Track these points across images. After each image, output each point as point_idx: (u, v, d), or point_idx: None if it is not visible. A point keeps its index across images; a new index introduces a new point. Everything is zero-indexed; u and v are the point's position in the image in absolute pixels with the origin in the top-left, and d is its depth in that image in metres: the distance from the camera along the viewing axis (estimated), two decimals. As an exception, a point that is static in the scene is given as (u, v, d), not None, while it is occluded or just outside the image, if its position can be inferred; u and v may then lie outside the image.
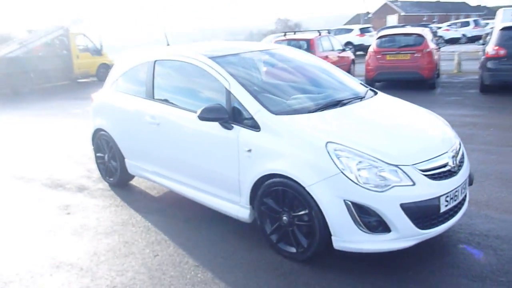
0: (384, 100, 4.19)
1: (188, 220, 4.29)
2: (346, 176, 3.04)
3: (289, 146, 3.31)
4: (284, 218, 3.40)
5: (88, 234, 4.12)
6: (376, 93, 4.28)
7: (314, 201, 3.14)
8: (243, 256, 3.56)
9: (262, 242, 3.66)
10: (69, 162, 6.50)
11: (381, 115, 3.85)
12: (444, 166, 3.25)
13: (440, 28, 32.49)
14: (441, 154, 3.29)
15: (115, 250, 3.76)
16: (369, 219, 3.05)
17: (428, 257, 3.37)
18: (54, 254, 3.75)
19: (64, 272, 3.45)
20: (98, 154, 5.47)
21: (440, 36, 28.92)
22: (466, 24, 32.30)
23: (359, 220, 3.05)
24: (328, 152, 3.14)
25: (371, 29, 27.75)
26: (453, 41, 30.56)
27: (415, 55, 11.06)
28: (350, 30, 26.67)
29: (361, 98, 4.03)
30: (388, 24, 49.48)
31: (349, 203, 3.04)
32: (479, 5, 73.98)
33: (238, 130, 3.59)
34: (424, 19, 61.77)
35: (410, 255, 3.34)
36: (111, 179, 5.34)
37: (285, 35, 13.43)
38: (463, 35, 31.49)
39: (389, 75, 11.50)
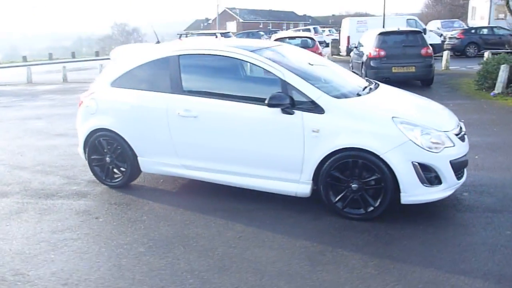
0: (390, 89, 5.06)
1: (244, 210, 4.49)
2: (414, 143, 3.81)
3: (360, 123, 3.93)
4: (354, 185, 3.99)
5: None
6: (379, 84, 5.10)
7: (387, 166, 3.82)
8: (316, 224, 4.04)
9: (320, 212, 4.18)
10: (31, 172, 5.86)
11: (402, 98, 4.74)
12: (459, 133, 4.26)
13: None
14: (457, 124, 4.31)
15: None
16: (429, 175, 3.86)
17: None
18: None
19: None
20: (93, 157, 5.17)
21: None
22: (308, 30, 36.39)
23: (423, 176, 3.84)
24: (396, 125, 3.86)
25: (230, 33, 29.21)
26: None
27: None
28: (213, 34, 27.66)
29: (377, 87, 4.83)
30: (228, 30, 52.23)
31: (416, 164, 3.81)
32: (305, 15, 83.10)
33: (301, 114, 4.05)
34: (260, 26, 66.79)
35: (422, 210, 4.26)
36: (114, 181, 5.12)
37: (180, 37, 13.65)
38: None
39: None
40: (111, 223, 4.25)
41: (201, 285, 3.16)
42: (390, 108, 4.15)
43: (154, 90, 4.76)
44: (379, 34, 12.03)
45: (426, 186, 3.88)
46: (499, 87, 10.65)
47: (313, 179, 4.14)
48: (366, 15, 62.93)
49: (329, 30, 40.34)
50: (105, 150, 5.07)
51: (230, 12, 71.38)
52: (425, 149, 3.83)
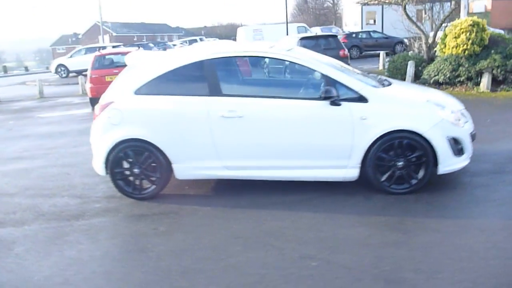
0: (400, 82, 5.70)
1: (300, 200, 4.70)
2: (447, 121, 4.49)
3: (401, 108, 4.51)
4: (399, 163, 4.52)
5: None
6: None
7: (428, 142, 4.43)
8: (373, 202, 4.48)
9: (368, 192, 4.65)
10: (27, 197, 5.26)
11: (415, 88, 5.43)
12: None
13: (175, 45, 35.80)
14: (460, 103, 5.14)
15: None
16: (458, 147, 4.58)
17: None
18: None
19: None
20: (117, 170, 4.90)
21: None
22: (195, 41, 36.73)
23: (454, 149, 4.53)
24: (431, 106, 4.51)
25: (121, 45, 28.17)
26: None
27: None
28: (104, 48, 26.40)
29: (390, 81, 5.42)
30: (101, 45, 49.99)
31: (450, 138, 4.49)
32: (178, 27, 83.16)
33: (348, 105, 4.47)
34: (135, 39, 65.09)
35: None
36: (144, 192, 4.92)
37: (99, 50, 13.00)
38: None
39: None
40: (179, 231, 4.15)
41: (325, 265, 3.37)
42: (419, 94, 4.79)
43: (190, 94, 4.74)
44: (301, 39, 12.99)
45: (456, 157, 4.58)
46: (408, 80, 12.30)
47: (361, 163, 4.58)
48: (240, 25, 65.63)
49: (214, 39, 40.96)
50: (132, 162, 4.85)
51: (102, 26, 68.07)
52: (454, 125, 4.53)
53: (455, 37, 11.01)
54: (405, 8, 13.13)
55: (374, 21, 28.88)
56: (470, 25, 10.79)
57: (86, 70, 24.10)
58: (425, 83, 11.70)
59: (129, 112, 4.81)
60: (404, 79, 12.39)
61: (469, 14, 32.74)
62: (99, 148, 4.93)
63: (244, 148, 4.69)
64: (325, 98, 4.44)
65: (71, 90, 18.01)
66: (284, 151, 4.65)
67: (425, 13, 14.16)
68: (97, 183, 5.56)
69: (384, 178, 4.59)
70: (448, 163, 4.54)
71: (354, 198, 4.61)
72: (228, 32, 68.09)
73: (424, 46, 13.49)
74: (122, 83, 4.96)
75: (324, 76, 4.54)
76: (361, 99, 4.48)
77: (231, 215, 4.40)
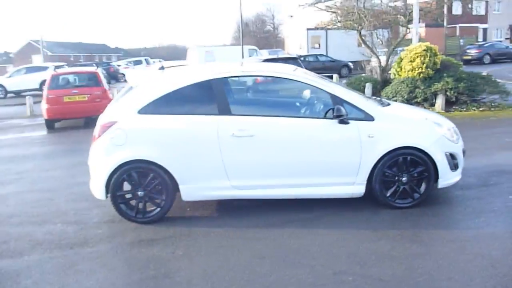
0: (396, 103, 5.96)
1: (313, 217, 4.73)
2: (445, 137, 4.78)
3: (405, 125, 4.75)
4: (403, 179, 4.72)
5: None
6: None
7: (430, 158, 4.68)
8: (382, 216, 4.63)
9: (373, 208, 4.80)
10: (15, 226, 4.85)
11: (411, 108, 5.70)
12: None
13: (119, 66, 34.96)
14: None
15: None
16: (454, 162, 4.87)
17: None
18: None
19: None
20: (119, 193, 4.69)
21: (123, 74, 31.42)
22: (139, 62, 36.08)
23: (452, 163, 4.82)
24: (431, 124, 4.78)
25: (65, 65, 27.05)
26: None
27: (95, 95, 11.76)
28: (45, 68, 25.22)
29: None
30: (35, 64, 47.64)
31: (448, 153, 4.78)
32: (117, 47, 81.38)
33: (356, 123, 4.63)
34: (71, 59, 62.83)
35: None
36: (148, 216, 4.74)
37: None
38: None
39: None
40: (199, 254, 4.03)
41: (361, 279, 3.43)
42: (416, 112, 5.06)
43: (198, 114, 4.68)
44: (264, 61, 13.23)
45: (452, 171, 4.87)
46: (366, 101, 12.89)
47: (367, 179, 4.73)
48: (183, 47, 65.46)
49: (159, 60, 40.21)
50: (135, 184, 4.67)
51: (36, 44, 65.06)
52: (451, 141, 4.83)
53: (411, 61, 11.77)
54: (360, 34, 13.86)
55: (319, 45, 30.05)
56: (424, 50, 11.59)
57: (26, 91, 23.01)
58: (383, 103, 12.35)
59: (134, 132, 4.65)
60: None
61: (406, 40, 35.11)
62: (99, 170, 4.70)
63: (254, 167, 4.69)
64: (334, 117, 4.57)
65: (15, 111, 16.95)
66: (294, 169, 4.70)
67: (378, 38, 14.97)
68: (90, 208, 5.27)
69: (389, 193, 4.77)
70: (446, 177, 4.81)
71: (362, 213, 4.73)
72: (170, 53, 67.78)
73: (378, 69, 14.28)
74: (125, 103, 4.80)
75: (332, 96, 4.68)
76: (368, 117, 4.66)
77: (249, 235, 4.35)
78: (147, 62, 36.16)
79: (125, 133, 4.64)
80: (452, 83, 11.11)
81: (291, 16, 36.08)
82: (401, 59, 12.20)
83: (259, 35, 67.63)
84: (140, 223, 4.74)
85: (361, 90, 13.04)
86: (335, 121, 4.61)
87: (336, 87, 4.76)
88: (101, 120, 4.80)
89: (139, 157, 4.61)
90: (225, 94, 4.70)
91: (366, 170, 4.69)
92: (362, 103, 4.72)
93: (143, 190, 4.68)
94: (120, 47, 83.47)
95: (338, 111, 4.55)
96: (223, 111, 4.64)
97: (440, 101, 11.17)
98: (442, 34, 33.74)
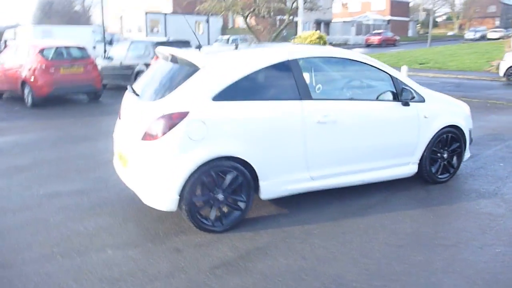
0: None
1: (361, 206, 4.65)
2: (469, 116, 5.34)
3: (446, 106, 5.13)
4: (445, 155, 5.11)
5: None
6: None
7: (463, 134, 5.18)
8: (434, 196, 4.93)
9: (416, 185, 5.09)
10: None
11: None
12: None
13: None
14: None
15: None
16: (470, 138, 5.49)
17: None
18: None
19: None
20: (196, 199, 3.83)
21: None
22: None
23: (471, 139, 5.43)
24: (461, 104, 5.27)
25: None
26: None
27: (88, 67, 11.07)
28: None
29: None
30: None
31: (470, 129, 5.36)
32: None
33: (415, 105, 4.79)
34: None
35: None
36: (227, 222, 3.99)
37: None
38: None
39: (66, 90, 10.84)
40: (327, 257, 3.63)
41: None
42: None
43: (278, 99, 4.12)
44: (156, 43, 12.11)
45: (469, 145, 5.49)
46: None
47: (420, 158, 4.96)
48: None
49: None
50: (214, 186, 3.88)
51: None
52: (470, 119, 5.43)
53: (305, 47, 12.47)
54: (246, 19, 13.90)
55: (158, 29, 28.93)
56: (318, 37, 12.41)
57: None
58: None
59: (214, 124, 3.82)
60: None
61: (235, 29, 36.47)
62: (169, 175, 3.73)
63: (333, 155, 4.41)
64: (401, 100, 4.63)
65: None
66: (364, 154, 4.61)
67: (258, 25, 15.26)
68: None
69: (434, 169, 5.10)
70: (468, 152, 5.40)
71: (417, 191, 4.95)
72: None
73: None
74: (192, 87, 3.87)
75: (393, 78, 4.70)
76: (421, 99, 4.85)
77: (341, 227, 4.10)
78: None
79: (204, 125, 3.78)
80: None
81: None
82: (294, 46, 12.81)
83: (68, 15, 61.14)
84: (218, 232, 3.97)
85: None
86: (399, 103, 4.67)
87: (394, 70, 4.80)
88: (161, 110, 3.79)
89: (223, 153, 3.83)
90: (304, 76, 4.24)
91: (421, 149, 4.91)
92: (415, 85, 4.89)
93: (223, 193, 3.92)
94: None
95: (406, 94, 4.61)
96: (304, 95, 4.20)
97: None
98: (267, 25, 36.33)
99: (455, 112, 5.18)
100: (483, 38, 48.43)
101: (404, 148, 4.82)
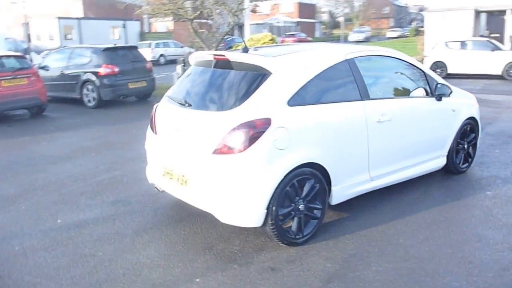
0: None
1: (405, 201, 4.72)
2: (477, 107, 5.68)
3: (464, 99, 5.39)
4: (465, 145, 5.38)
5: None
6: None
7: (477, 125, 5.50)
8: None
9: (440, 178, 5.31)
10: None
11: None
12: None
13: None
14: None
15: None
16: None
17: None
18: None
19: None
20: (282, 212, 3.59)
21: None
22: None
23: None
24: (473, 97, 5.58)
25: None
26: None
27: (32, 78, 9.92)
28: None
29: None
30: None
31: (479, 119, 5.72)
32: None
33: (445, 99, 4.97)
34: None
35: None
36: (307, 232, 3.79)
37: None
38: None
39: (10, 105, 9.59)
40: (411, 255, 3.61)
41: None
42: None
43: (343, 100, 4.02)
44: (104, 50, 11.24)
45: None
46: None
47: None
48: None
49: None
50: (296, 195, 3.67)
51: None
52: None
53: (259, 50, 12.41)
54: (192, 22, 13.45)
55: (72, 35, 26.94)
56: (270, 39, 12.44)
57: None
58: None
59: (293, 130, 3.61)
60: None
61: (154, 33, 35.37)
62: (258, 188, 3.45)
63: (388, 153, 4.42)
64: (437, 96, 4.78)
65: None
66: (413, 150, 4.69)
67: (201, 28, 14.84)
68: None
69: (458, 160, 5.35)
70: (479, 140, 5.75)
71: (448, 182, 5.16)
72: None
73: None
74: (269, 94, 3.60)
75: (427, 75, 4.84)
76: (447, 94, 5.06)
77: (418, 224, 4.13)
78: None
79: (287, 132, 3.55)
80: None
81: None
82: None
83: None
84: (299, 244, 3.75)
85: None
86: (434, 98, 4.82)
87: (425, 67, 4.94)
88: (239, 119, 3.47)
89: (305, 160, 3.64)
90: (361, 76, 4.18)
91: (450, 142, 5.11)
92: (441, 80, 5.07)
93: (303, 202, 3.72)
94: None
95: (444, 89, 4.77)
96: (364, 95, 4.14)
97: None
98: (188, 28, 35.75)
99: (471, 104, 5.47)
100: (367, 39, 48.17)
101: (439, 142, 4.98)
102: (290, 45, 5.19)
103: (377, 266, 3.43)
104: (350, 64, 4.13)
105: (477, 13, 22.02)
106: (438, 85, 4.78)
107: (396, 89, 4.80)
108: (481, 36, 21.83)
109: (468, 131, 5.40)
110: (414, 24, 76.10)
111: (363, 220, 4.23)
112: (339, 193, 4.04)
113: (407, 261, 3.49)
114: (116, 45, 12.04)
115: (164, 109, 4.28)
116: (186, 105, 3.97)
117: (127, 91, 11.38)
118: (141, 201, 4.90)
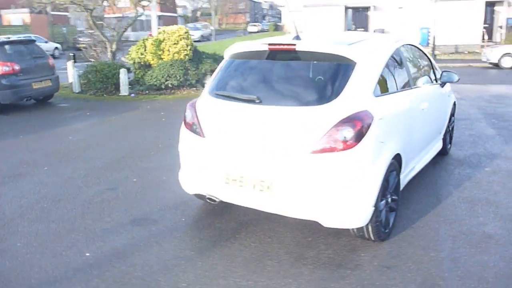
0: None
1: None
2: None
3: (449, 87, 5.82)
4: (450, 128, 5.86)
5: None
6: None
7: (454, 109, 6.05)
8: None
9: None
10: None
11: None
12: None
13: None
14: None
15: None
16: (445, 111, 6.43)
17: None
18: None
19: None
20: (381, 206, 3.45)
21: None
22: None
23: (448, 112, 6.36)
24: None
25: None
26: None
27: None
28: None
29: None
30: None
31: (450, 104, 6.29)
32: None
33: (445, 86, 5.33)
34: None
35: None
36: (389, 226, 3.70)
37: None
38: None
39: None
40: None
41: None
42: None
43: (404, 89, 4.03)
44: (7, 43, 9.37)
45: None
46: (125, 88, 11.63)
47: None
48: None
49: None
50: (386, 189, 3.56)
51: None
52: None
53: (175, 44, 11.70)
54: (91, 14, 11.99)
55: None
56: (186, 32, 11.80)
57: None
58: (149, 89, 11.70)
59: (388, 121, 3.48)
60: (118, 88, 11.67)
61: (7, 27, 30.87)
62: (367, 185, 3.25)
63: (422, 140, 4.55)
64: (442, 83, 5.11)
65: None
66: (431, 135, 4.92)
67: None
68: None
69: (448, 140, 5.79)
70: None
71: (445, 167, 5.56)
72: None
73: (109, 53, 12.97)
74: (359, 85, 3.37)
75: (431, 64, 5.12)
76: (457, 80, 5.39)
77: (456, 215, 4.35)
78: None
79: (385, 125, 3.41)
80: (213, 64, 11.98)
81: None
82: (160, 41, 11.79)
83: None
84: (382, 240, 3.63)
85: (116, 77, 11.67)
86: (439, 85, 5.14)
87: (430, 56, 5.21)
88: (340, 114, 3.20)
89: (396, 151, 3.57)
90: (406, 64, 4.22)
91: (445, 125, 5.51)
92: (439, 69, 5.42)
93: (389, 195, 3.63)
94: None
95: (450, 77, 5.09)
96: (412, 83, 4.22)
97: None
98: (46, 22, 31.93)
99: (451, 90, 5.97)
100: (204, 37, 42.82)
101: (441, 126, 5.33)
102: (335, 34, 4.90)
103: (470, 257, 3.53)
104: (400, 52, 4.15)
105: (346, 9, 24.18)
106: (444, 73, 5.09)
107: (423, 77, 4.97)
108: (349, 30, 24.11)
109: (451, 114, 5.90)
110: (267, 19, 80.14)
111: (407, 213, 4.30)
112: (402, 181, 4.04)
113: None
114: (10, 38, 10.16)
115: (214, 108, 3.74)
116: (257, 101, 3.52)
117: (31, 92, 9.69)
118: (165, 216, 4.23)
